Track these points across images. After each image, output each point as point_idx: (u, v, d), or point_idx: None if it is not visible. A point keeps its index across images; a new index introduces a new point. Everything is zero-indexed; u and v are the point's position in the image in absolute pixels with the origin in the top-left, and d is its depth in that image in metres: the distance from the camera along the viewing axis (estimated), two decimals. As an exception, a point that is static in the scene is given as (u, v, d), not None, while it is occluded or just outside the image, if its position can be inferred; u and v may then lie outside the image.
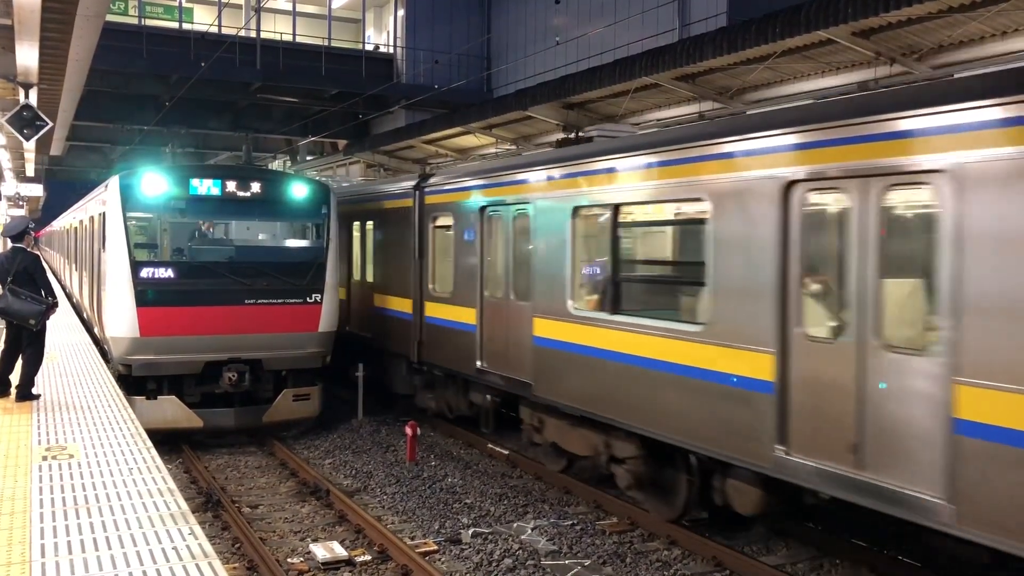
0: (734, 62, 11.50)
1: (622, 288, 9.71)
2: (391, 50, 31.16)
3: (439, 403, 14.28)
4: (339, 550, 8.91)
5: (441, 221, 13.68)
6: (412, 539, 9.43)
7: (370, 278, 16.50)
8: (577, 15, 25.54)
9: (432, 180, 14.16)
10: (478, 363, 12.29)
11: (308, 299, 13.76)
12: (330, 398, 15.42)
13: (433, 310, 13.79)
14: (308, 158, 31.77)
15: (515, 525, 9.95)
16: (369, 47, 32.06)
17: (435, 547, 9.18)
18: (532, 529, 9.81)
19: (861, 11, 9.36)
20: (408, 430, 12.66)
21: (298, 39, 29.47)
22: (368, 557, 8.86)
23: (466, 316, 12.64)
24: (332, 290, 14.08)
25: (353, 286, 17.33)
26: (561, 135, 14.49)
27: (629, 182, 9.41)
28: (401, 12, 30.96)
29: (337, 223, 14.56)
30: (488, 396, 12.67)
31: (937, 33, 9.66)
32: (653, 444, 9.22)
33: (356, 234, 17.27)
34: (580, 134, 11.50)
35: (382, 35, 33.49)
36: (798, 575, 8.47)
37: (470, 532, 9.71)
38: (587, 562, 8.84)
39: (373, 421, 15.18)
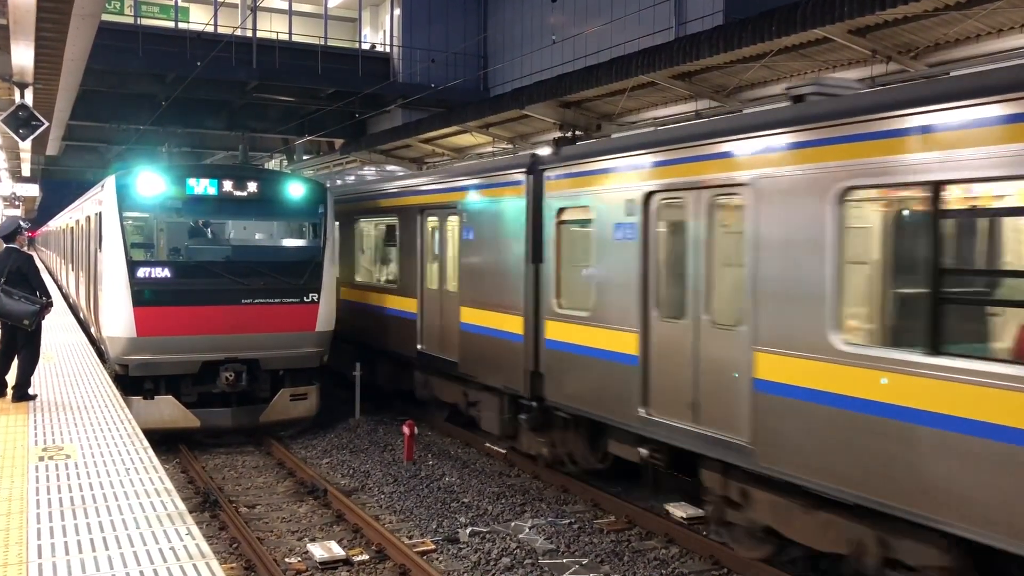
0: (730, 60, 11.50)
1: (952, 315, 6.36)
2: (387, 49, 31.14)
3: (556, 451, 11.26)
4: (337, 550, 8.91)
5: (572, 214, 10.60)
6: (410, 538, 9.43)
7: (452, 287, 13.24)
8: (573, 14, 25.54)
9: (558, 160, 10.92)
10: (641, 409, 9.14)
11: (305, 299, 13.75)
12: (335, 402, 15.44)
13: (559, 332, 10.63)
14: (304, 157, 31.77)
15: (513, 524, 9.95)
16: (365, 46, 32.04)
17: (433, 546, 9.18)
18: (530, 528, 9.81)
19: (857, 9, 9.37)
20: (405, 429, 12.65)
21: (294, 38, 29.44)
22: (366, 556, 8.86)
23: (618, 343, 9.49)
24: (329, 289, 14.07)
25: (427, 296, 14.06)
26: (558, 134, 14.51)
27: (974, 146, 6.01)
28: (397, 11, 30.95)
29: (334, 222, 14.54)
30: (646, 450, 9.45)
31: (933, 31, 9.67)
32: (965, 546, 6.35)
33: (430, 232, 14.09)
34: (795, 95, 8.11)
35: (378, 34, 33.49)
36: (796, 573, 8.47)
37: (468, 531, 9.71)
38: (585, 561, 8.85)
39: (371, 420, 15.17)
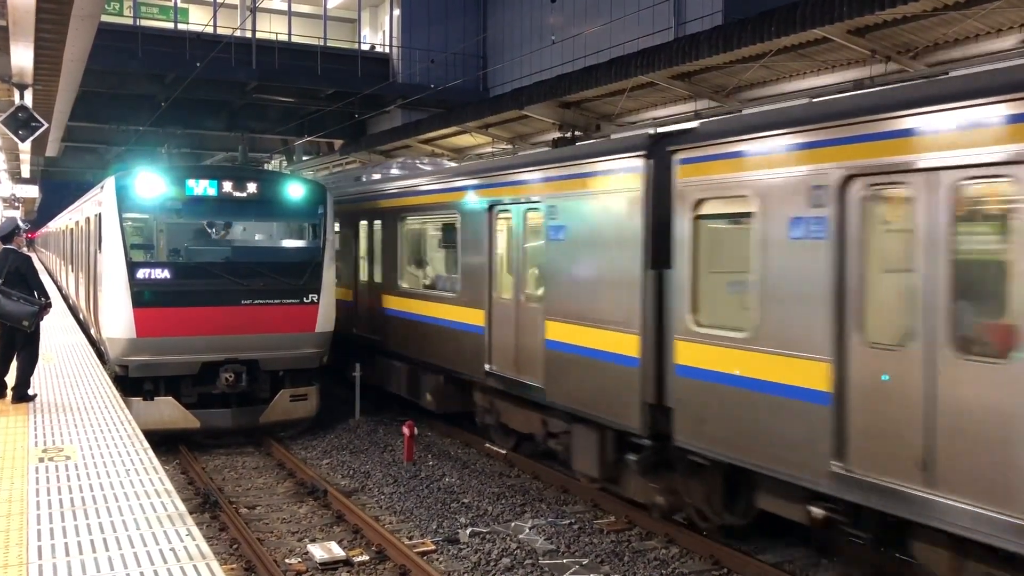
0: (730, 60, 11.52)
1: None
2: (387, 49, 31.17)
3: (677, 502, 9.17)
4: (337, 550, 8.91)
5: (718, 206, 8.36)
6: (410, 539, 9.43)
7: (534, 297, 11.09)
8: (573, 14, 25.56)
9: (697, 139, 8.48)
10: (835, 463, 6.95)
11: (305, 299, 13.75)
12: (335, 402, 15.42)
13: (697, 357, 8.36)
14: (304, 158, 31.79)
15: (513, 524, 9.95)
16: (365, 47, 32.08)
17: (433, 547, 9.18)
18: (530, 528, 9.81)
19: (856, 9, 9.40)
20: (405, 430, 12.65)
21: (294, 39, 29.47)
22: (366, 557, 8.86)
23: (797, 374, 7.30)
24: (329, 290, 14.07)
25: (498, 307, 11.78)
26: (557, 134, 14.53)
27: None
28: (396, 12, 30.98)
29: (334, 222, 14.52)
30: (822, 510, 7.35)
31: (932, 31, 9.69)
32: None
33: (504, 231, 11.94)
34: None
35: (378, 35, 33.53)
36: (796, 573, 8.47)
37: (468, 532, 9.71)
38: (585, 561, 8.85)
39: (370, 421, 15.16)
